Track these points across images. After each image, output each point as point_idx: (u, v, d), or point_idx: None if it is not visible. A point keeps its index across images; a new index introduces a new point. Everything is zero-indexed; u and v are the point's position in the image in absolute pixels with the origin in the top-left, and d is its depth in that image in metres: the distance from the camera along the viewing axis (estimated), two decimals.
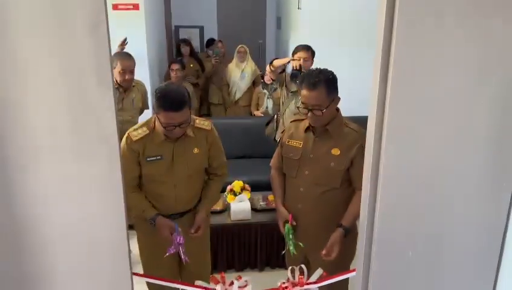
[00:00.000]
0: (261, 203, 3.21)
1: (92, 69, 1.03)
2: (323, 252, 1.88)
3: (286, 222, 2.02)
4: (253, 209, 3.12)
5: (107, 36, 1.02)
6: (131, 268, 1.21)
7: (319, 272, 1.75)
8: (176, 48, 5.37)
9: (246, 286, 1.79)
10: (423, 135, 1.12)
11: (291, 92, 3.29)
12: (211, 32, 6.80)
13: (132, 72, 3.20)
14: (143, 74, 4.23)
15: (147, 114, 3.18)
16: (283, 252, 2.20)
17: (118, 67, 3.12)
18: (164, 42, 5.75)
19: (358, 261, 1.29)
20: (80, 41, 1.01)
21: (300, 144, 2.00)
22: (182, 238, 1.90)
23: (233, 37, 6.10)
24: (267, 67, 3.28)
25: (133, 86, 3.32)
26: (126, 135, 1.96)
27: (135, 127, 1.99)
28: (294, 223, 2.00)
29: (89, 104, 1.04)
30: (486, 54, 1.06)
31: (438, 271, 1.23)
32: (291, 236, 1.97)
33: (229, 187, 3.20)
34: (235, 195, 3.14)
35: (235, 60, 4.86)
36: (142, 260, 2.21)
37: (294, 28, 5.65)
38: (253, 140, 4.16)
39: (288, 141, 2.05)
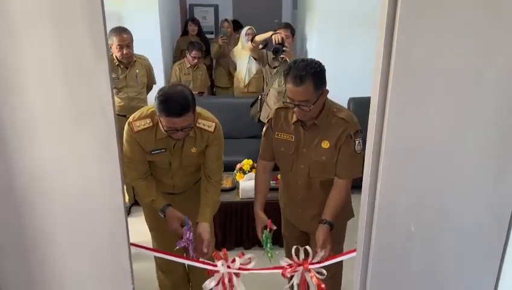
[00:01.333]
0: (270, 181, 3.19)
1: (86, 36, 1.01)
2: (318, 251, 1.77)
3: (264, 227, 1.93)
4: None
5: (101, 5, 1.01)
6: (128, 238, 1.21)
7: (320, 254, 1.74)
8: (184, 26, 5.22)
9: (249, 263, 1.78)
10: (426, 112, 1.07)
11: (274, 67, 3.19)
12: (226, 11, 6.72)
13: (129, 46, 3.12)
14: (156, 52, 4.22)
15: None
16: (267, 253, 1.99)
17: (114, 43, 3.05)
18: (178, 20, 5.71)
19: (358, 239, 1.26)
20: (75, 10, 0.99)
21: (292, 137, 1.89)
22: (191, 235, 1.84)
23: (248, 17, 6.00)
24: (249, 44, 3.17)
25: (135, 61, 3.25)
26: (129, 121, 1.88)
27: (139, 115, 1.88)
28: (275, 228, 1.92)
29: (84, 71, 1.03)
30: (493, 28, 1.00)
31: (440, 249, 1.19)
32: (269, 245, 1.90)
33: (238, 165, 3.22)
34: (244, 173, 3.15)
35: (241, 43, 4.54)
36: (151, 236, 2.24)
37: (311, 8, 5.52)
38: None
39: (278, 134, 1.93)
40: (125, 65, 3.21)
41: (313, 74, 1.71)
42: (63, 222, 1.16)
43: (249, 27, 4.56)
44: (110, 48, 3.15)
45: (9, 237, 1.16)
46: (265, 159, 2.05)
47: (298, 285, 1.75)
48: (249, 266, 1.78)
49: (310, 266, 1.73)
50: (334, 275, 2.09)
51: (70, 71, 1.03)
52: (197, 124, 1.89)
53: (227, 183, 3.14)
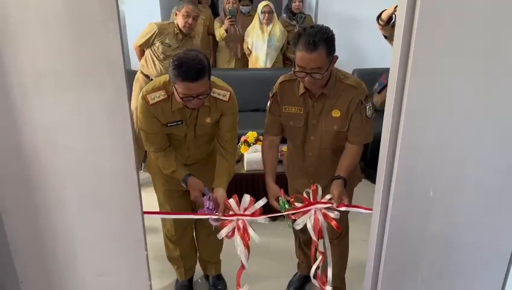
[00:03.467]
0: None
1: None
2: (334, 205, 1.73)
3: (279, 196, 1.84)
4: None
5: None
6: (141, 202, 1.18)
7: (328, 197, 1.72)
8: None
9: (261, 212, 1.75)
10: (448, 74, 1.02)
11: None
12: None
13: (195, 19, 3.26)
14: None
15: None
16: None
17: (182, 10, 3.21)
18: None
19: (375, 200, 1.24)
20: None
21: (300, 110, 1.83)
22: (211, 203, 1.81)
23: None
24: (377, 25, 3.01)
25: (191, 37, 3.38)
26: (142, 94, 1.83)
27: (152, 87, 1.82)
28: (289, 198, 1.84)
29: (92, 28, 0.98)
30: None
31: (458, 213, 1.17)
32: (287, 206, 1.81)
33: (243, 138, 3.18)
34: (249, 146, 3.12)
35: (256, 23, 3.94)
36: (160, 206, 2.22)
37: None
38: (267, 93, 4.04)
39: (286, 108, 1.86)
40: (183, 36, 3.29)
41: (325, 39, 1.64)
42: (72, 183, 1.12)
43: (265, 3, 3.86)
44: (176, 15, 3.29)
45: (17, 198, 1.13)
46: (271, 135, 1.99)
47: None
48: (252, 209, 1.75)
49: (321, 206, 1.71)
50: (342, 239, 2.12)
51: (76, 22, 0.97)
52: (212, 94, 1.83)
53: None
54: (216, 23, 4.19)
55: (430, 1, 0.96)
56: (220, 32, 4.09)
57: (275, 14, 4.04)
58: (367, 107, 1.80)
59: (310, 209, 1.72)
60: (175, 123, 1.86)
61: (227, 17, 4.00)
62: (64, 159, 1.09)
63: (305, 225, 1.73)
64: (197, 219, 2.26)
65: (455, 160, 1.11)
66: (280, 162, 2.64)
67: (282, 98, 1.88)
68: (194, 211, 2.24)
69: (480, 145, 1.09)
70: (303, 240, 2.31)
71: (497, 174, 1.11)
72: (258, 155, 3.03)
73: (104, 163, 1.09)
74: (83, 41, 0.98)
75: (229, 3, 4.04)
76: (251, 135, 3.19)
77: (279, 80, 1.93)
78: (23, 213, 1.14)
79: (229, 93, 1.89)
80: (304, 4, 4.33)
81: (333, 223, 1.67)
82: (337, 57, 1.76)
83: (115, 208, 1.15)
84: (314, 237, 1.70)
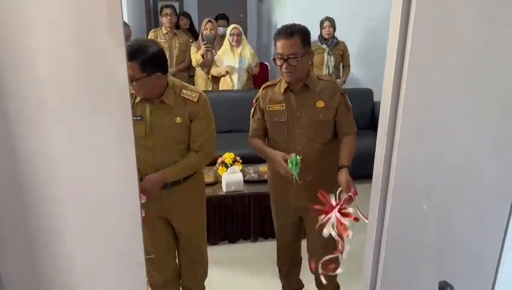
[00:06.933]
0: (253, 174, 3.20)
1: (102, 14, 0.96)
2: (346, 197, 1.77)
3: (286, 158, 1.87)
4: (245, 181, 3.12)
5: None
6: (143, 229, 1.17)
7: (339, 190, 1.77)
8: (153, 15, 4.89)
9: None
10: (442, 92, 1.08)
11: None
12: (191, 5, 6.61)
13: (127, 39, 3.37)
14: None
15: None
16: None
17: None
18: (143, 14, 5.55)
19: (371, 213, 1.28)
20: None
21: (282, 106, 1.99)
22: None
23: (212, 11, 5.91)
24: None
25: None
26: None
27: None
28: (301, 156, 1.87)
29: (98, 51, 0.98)
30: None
31: (452, 219, 1.23)
32: (299, 162, 1.84)
33: (220, 159, 3.18)
34: (227, 167, 3.12)
35: (227, 46, 4.08)
36: None
37: (278, 2, 5.53)
38: (240, 114, 4.04)
39: (269, 107, 2.02)
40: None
41: (301, 29, 1.91)
42: (73, 211, 1.08)
43: (233, 26, 4.06)
44: None
45: (14, 229, 1.07)
46: (258, 137, 2.10)
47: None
48: None
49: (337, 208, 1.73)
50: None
51: (83, 48, 0.97)
52: (181, 94, 1.94)
53: (209, 178, 3.10)
54: (193, 48, 4.22)
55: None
56: (196, 57, 4.12)
57: (244, 36, 4.21)
58: (346, 98, 2.01)
59: (330, 217, 1.73)
60: (135, 118, 1.88)
61: (204, 42, 4.06)
62: (64, 186, 1.05)
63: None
64: (180, 247, 2.21)
65: (450, 170, 1.16)
66: (265, 181, 2.68)
67: (265, 99, 2.05)
68: (175, 240, 2.20)
69: (474, 156, 1.16)
70: (284, 243, 2.30)
71: (487, 183, 1.18)
72: (237, 176, 3.06)
73: (107, 190, 1.07)
74: (90, 67, 0.98)
75: (206, 29, 4.11)
76: (228, 156, 3.20)
77: (263, 86, 2.11)
78: (18, 246, 1.09)
79: (198, 94, 1.97)
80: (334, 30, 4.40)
81: (352, 217, 1.71)
82: (312, 53, 2.02)
83: (117, 235, 1.12)
84: (340, 240, 1.74)
